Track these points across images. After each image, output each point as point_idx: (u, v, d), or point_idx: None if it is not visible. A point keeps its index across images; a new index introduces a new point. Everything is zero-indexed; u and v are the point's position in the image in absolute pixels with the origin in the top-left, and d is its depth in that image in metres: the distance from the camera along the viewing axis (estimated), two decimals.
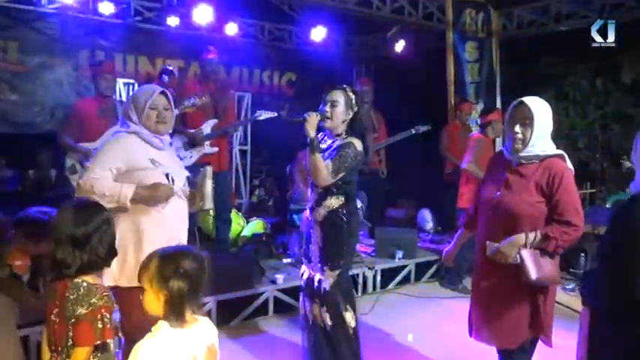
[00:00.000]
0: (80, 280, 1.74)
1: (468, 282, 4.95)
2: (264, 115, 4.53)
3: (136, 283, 1.69)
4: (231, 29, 6.36)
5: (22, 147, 5.59)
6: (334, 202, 2.72)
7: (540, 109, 2.24)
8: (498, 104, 6.01)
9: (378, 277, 4.88)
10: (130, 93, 5.99)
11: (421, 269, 5.23)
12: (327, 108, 2.71)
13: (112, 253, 1.85)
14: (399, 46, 6.80)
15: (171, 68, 5.89)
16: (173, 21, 6.08)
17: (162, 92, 2.41)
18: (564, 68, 6.26)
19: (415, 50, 6.88)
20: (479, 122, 5.10)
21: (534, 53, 6.42)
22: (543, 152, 2.24)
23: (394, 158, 6.06)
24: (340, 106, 2.72)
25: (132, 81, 6.29)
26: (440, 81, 6.27)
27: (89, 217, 1.79)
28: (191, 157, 4.42)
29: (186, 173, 2.56)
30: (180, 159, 4.41)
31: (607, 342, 1.66)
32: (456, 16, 6.03)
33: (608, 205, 5.43)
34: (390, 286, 4.97)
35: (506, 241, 2.21)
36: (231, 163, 6.35)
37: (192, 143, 4.38)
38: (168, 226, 2.37)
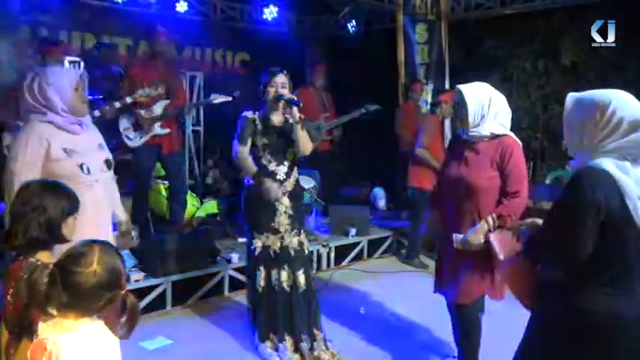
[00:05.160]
0: (35, 260, 1.72)
1: (423, 257, 5.15)
2: (218, 99, 4.48)
3: None
4: (182, 7, 6.22)
5: None
6: (296, 172, 3.16)
7: (472, 94, 2.51)
8: (447, 85, 6.19)
9: (332, 254, 5.00)
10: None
11: (374, 246, 5.39)
12: (286, 91, 3.01)
13: (52, 234, 1.80)
14: (351, 26, 6.85)
15: (106, 42, 5.75)
16: None
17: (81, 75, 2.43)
18: (509, 51, 6.48)
19: (367, 31, 6.96)
20: (428, 102, 5.25)
21: (481, 36, 6.62)
22: (490, 132, 2.50)
23: (348, 138, 6.16)
24: (289, 87, 3.05)
25: (77, 59, 6.06)
26: (391, 62, 6.38)
27: (23, 197, 1.80)
28: (141, 137, 4.35)
29: (107, 155, 2.51)
30: (130, 139, 4.37)
31: (546, 301, 1.74)
32: None
33: (547, 182, 5.74)
34: (343, 263, 5.11)
35: (471, 231, 2.46)
36: (184, 144, 6.25)
37: (141, 124, 4.31)
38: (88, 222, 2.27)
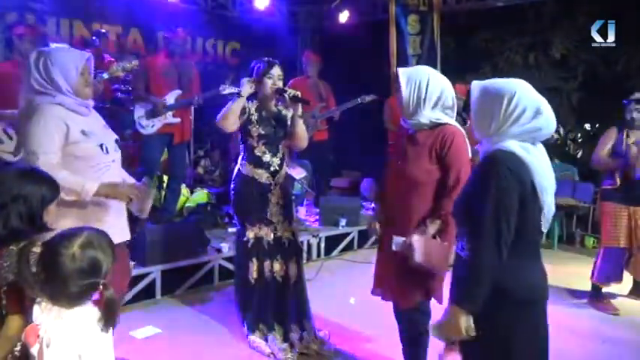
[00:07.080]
0: (15, 248, 1.68)
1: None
2: (228, 89, 4.45)
3: None
4: None
5: None
6: (285, 163, 3.15)
7: (407, 77, 2.34)
8: None
9: (323, 245, 5.02)
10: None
11: (364, 236, 5.41)
12: (281, 84, 3.02)
13: (33, 224, 1.76)
14: (343, 16, 6.83)
15: (103, 31, 5.72)
16: None
17: (88, 58, 2.34)
18: (500, 43, 6.50)
19: (359, 21, 6.94)
20: None
21: (473, 28, 6.62)
22: (430, 120, 2.33)
23: (339, 129, 6.15)
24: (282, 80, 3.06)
25: (66, 46, 5.98)
26: (383, 53, 6.37)
27: (1, 187, 1.74)
28: (153, 125, 4.40)
29: (114, 136, 2.49)
30: (142, 127, 4.38)
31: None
32: None
33: None
34: (334, 253, 5.13)
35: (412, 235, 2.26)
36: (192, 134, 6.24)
37: (154, 112, 4.33)
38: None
